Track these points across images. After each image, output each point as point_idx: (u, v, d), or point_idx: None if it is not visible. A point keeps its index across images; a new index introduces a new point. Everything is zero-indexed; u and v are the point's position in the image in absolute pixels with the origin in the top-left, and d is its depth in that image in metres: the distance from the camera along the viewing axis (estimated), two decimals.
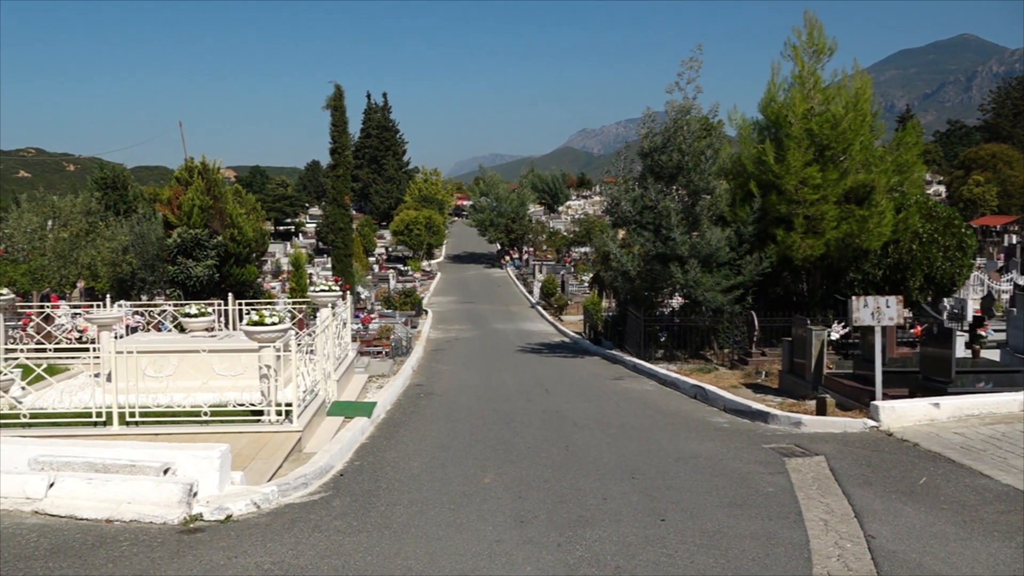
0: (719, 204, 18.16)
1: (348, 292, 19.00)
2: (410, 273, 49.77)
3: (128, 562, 5.38)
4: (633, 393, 14.34)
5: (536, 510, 6.66)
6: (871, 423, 9.72)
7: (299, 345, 10.13)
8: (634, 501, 6.90)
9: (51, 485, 6.48)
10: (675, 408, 12.58)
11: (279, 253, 50.47)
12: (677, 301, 20.87)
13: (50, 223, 25.11)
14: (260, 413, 9.39)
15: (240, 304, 16.36)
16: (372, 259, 54.28)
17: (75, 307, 18.26)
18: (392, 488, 7.50)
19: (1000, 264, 37.59)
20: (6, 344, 13.61)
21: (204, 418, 9.18)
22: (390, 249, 61.93)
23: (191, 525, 6.20)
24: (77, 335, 16.32)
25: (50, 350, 13.77)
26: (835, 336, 14.91)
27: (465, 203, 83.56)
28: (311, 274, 34.17)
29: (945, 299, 18.82)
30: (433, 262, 58.68)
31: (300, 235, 70.52)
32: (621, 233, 21.83)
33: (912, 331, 15.77)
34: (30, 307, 16.71)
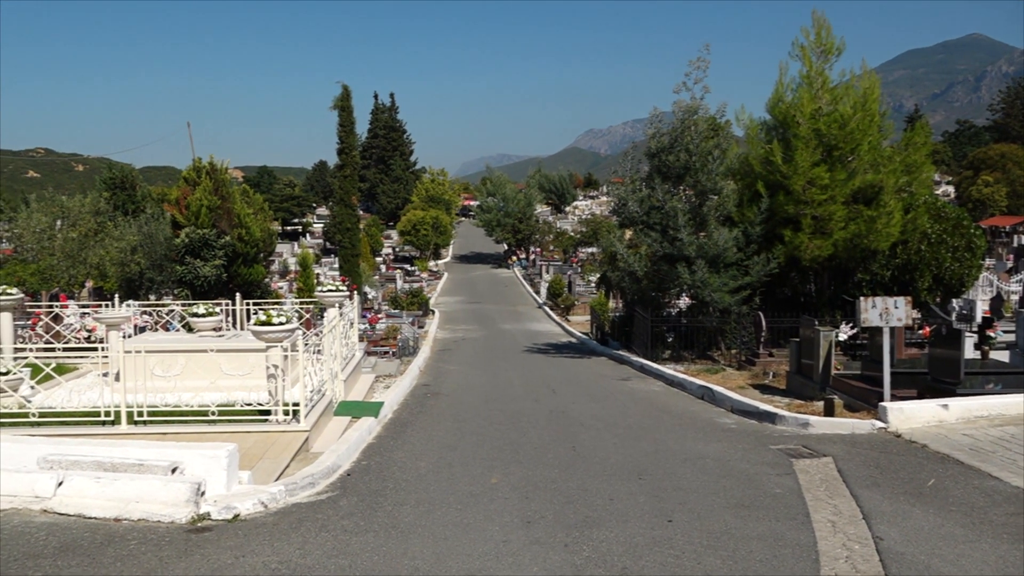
0: (726, 204, 18.12)
1: (355, 292, 19.04)
2: (417, 273, 49.83)
3: (136, 561, 5.39)
4: (640, 394, 14.33)
5: (543, 510, 6.65)
6: (879, 424, 9.68)
7: (306, 345, 10.16)
8: (641, 502, 6.89)
9: (60, 484, 6.51)
10: (682, 409, 12.56)
11: (286, 253, 50.58)
12: (684, 302, 20.83)
13: (59, 223, 25.24)
14: (267, 413, 9.41)
15: (248, 304, 16.41)
16: (379, 259, 54.38)
17: (84, 307, 18.33)
18: (399, 488, 7.51)
19: (1009, 265, 37.43)
20: (15, 343, 13.68)
21: (212, 417, 9.20)
22: (397, 249, 62.03)
23: (199, 524, 6.22)
24: (86, 334, 16.39)
25: (59, 349, 13.83)
26: (843, 337, 14.87)
27: (472, 203, 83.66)
28: (318, 274, 34.24)
29: (954, 300, 18.73)
30: (440, 262, 58.74)
31: (307, 235, 70.73)
32: (628, 233, 21.79)
33: (921, 332, 15.72)
34: (39, 307, 16.78)
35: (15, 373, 10.12)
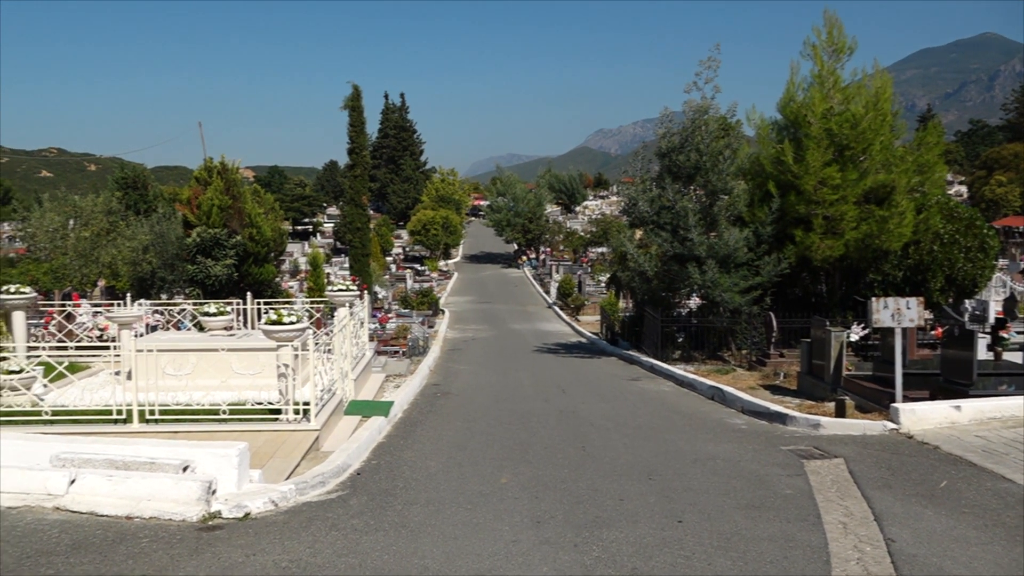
0: (737, 204, 18.07)
1: (365, 292, 19.06)
2: (427, 273, 49.88)
3: (148, 559, 5.42)
4: (650, 394, 14.30)
5: (553, 510, 6.65)
6: (891, 425, 9.63)
7: (317, 344, 10.18)
8: (651, 502, 6.87)
9: (72, 482, 6.55)
10: (692, 409, 12.53)
11: (297, 253, 50.73)
12: (695, 302, 20.79)
13: (72, 222, 25.41)
14: (278, 412, 9.44)
15: (258, 303, 16.46)
16: (389, 259, 54.47)
17: (96, 306, 18.43)
18: (409, 487, 7.52)
19: (1023, 265, 37.16)
20: (29, 342, 13.77)
21: (223, 416, 9.24)
22: (407, 249, 62.09)
23: (210, 522, 6.24)
24: (98, 333, 16.48)
25: (71, 348, 13.92)
26: (854, 337, 14.80)
27: (482, 203, 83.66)
28: (329, 273, 34.31)
29: (966, 301, 18.59)
30: (450, 262, 58.78)
31: (318, 235, 70.89)
32: (638, 233, 21.76)
33: (933, 333, 15.62)
34: (52, 305, 16.88)
35: (28, 371, 10.20)
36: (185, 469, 6.81)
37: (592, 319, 30.47)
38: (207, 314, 13.78)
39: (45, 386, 10.41)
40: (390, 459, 8.81)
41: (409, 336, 20.55)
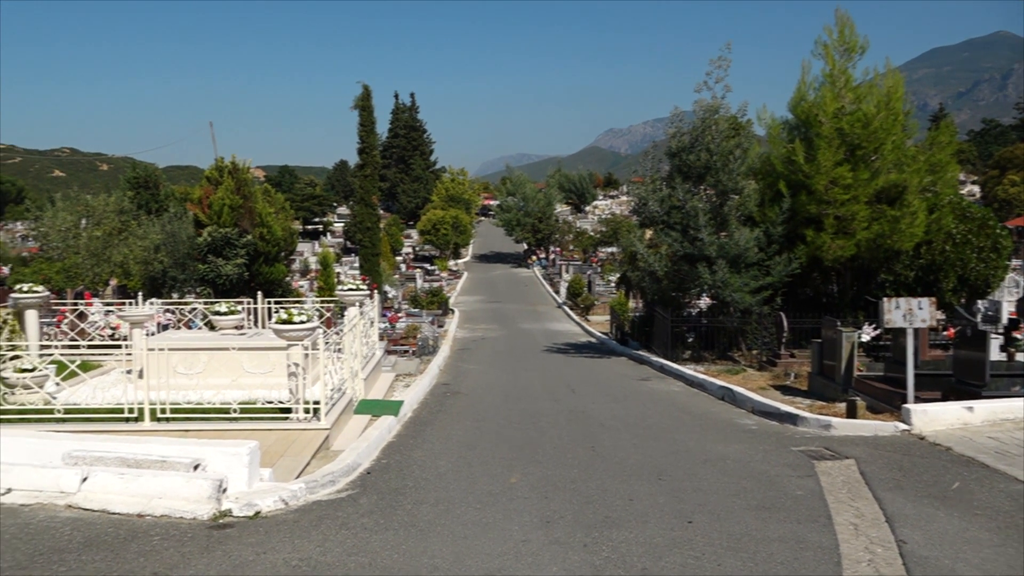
0: (748, 204, 18.02)
1: (375, 291, 19.11)
2: (437, 272, 49.95)
3: (159, 556, 5.45)
4: (660, 394, 14.27)
5: (562, 510, 6.65)
6: (903, 426, 9.58)
7: (327, 344, 10.21)
8: (661, 502, 6.86)
9: (84, 479, 6.59)
10: (702, 409, 12.49)
11: (307, 252, 50.87)
12: (705, 302, 20.73)
13: (84, 222, 25.54)
14: (288, 411, 9.47)
15: (269, 302, 16.52)
16: (399, 258, 54.55)
17: (108, 304, 18.53)
18: (419, 487, 7.53)
19: None
20: (41, 340, 13.85)
21: (233, 415, 9.27)
22: (417, 248, 62.17)
23: (220, 521, 6.27)
24: (110, 332, 16.57)
25: (84, 347, 13.99)
26: (866, 338, 14.73)
27: (492, 203, 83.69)
28: (339, 273, 34.39)
29: (979, 301, 18.44)
30: (460, 261, 58.82)
31: (328, 234, 71.01)
32: (648, 233, 21.73)
33: (945, 333, 15.53)
34: (64, 304, 16.97)
35: (41, 370, 10.27)
36: (196, 467, 6.84)
37: (602, 319, 30.44)
38: (218, 313, 13.84)
39: (58, 384, 10.48)
40: (400, 458, 8.82)
41: (419, 335, 20.57)
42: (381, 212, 48.43)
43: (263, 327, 15.43)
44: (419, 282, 42.06)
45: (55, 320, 17.05)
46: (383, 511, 6.68)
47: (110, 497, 6.45)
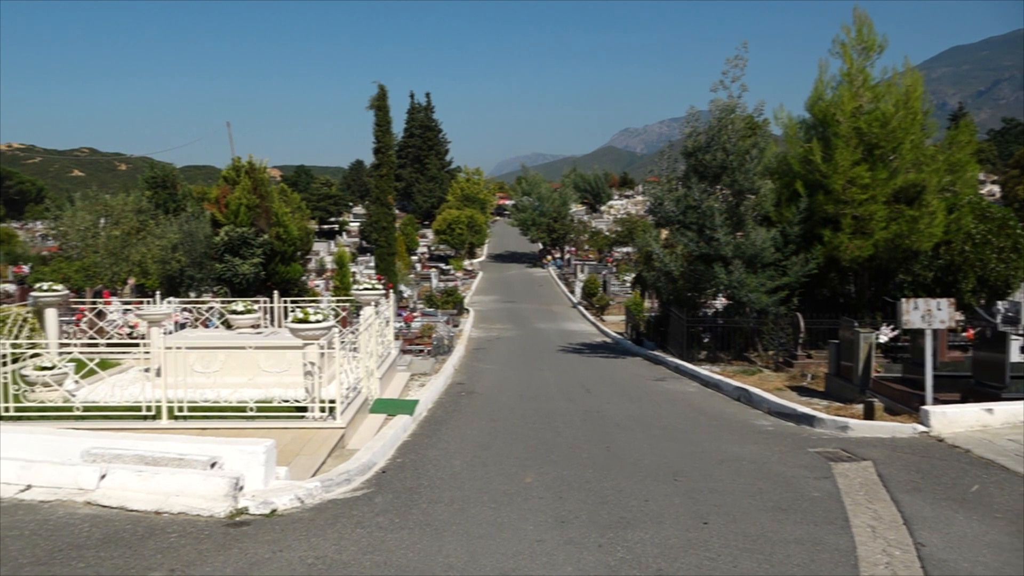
0: (764, 204, 17.92)
1: (391, 290, 19.15)
2: (452, 272, 50.01)
3: (176, 553, 5.49)
4: (675, 394, 14.23)
5: (577, 510, 6.64)
6: (921, 428, 9.50)
7: (342, 343, 10.24)
8: (676, 503, 6.84)
9: (103, 477, 6.64)
10: (718, 410, 12.44)
11: (323, 251, 51.05)
12: (721, 302, 20.65)
13: (103, 221, 25.79)
14: (304, 409, 9.51)
15: (285, 302, 16.59)
16: (415, 258, 54.66)
17: (126, 303, 18.69)
18: (434, 486, 7.54)
19: None
20: (61, 339, 13.98)
21: (250, 413, 9.32)
22: (432, 248, 62.28)
23: (237, 518, 6.30)
24: (128, 331, 16.70)
25: (102, 345, 14.10)
26: (883, 339, 14.63)
27: (507, 202, 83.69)
28: (354, 272, 34.50)
29: (999, 302, 18.31)
30: (475, 261, 58.88)
31: (344, 234, 71.28)
32: (664, 233, 21.68)
33: (964, 335, 15.41)
34: (83, 303, 17.13)
35: (60, 368, 10.37)
36: (213, 465, 6.88)
37: (617, 319, 30.37)
38: (235, 312, 13.92)
39: (76, 382, 10.56)
40: (415, 457, 8.84)
41: (434, 335, 20.61)
42: (396, 212, 48.54)
43: (279, 326, 15.51)
44: (434, 282, 42.13)
45: (74, 318, 17.22)
46: (398, 510, 6.70)
47: (128, 494, 6.50)
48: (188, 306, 17.35)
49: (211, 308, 16.66)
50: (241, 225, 20.68)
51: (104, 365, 12.07)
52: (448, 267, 52.00)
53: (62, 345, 12.96)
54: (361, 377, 11.27)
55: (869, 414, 10.34)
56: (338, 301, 18.34)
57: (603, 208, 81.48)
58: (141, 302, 16.89)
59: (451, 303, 31.04)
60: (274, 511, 6.54)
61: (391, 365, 14.47)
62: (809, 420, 10.74)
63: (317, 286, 32.97)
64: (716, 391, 14.44)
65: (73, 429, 8.27)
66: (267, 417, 9.38)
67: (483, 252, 63.96)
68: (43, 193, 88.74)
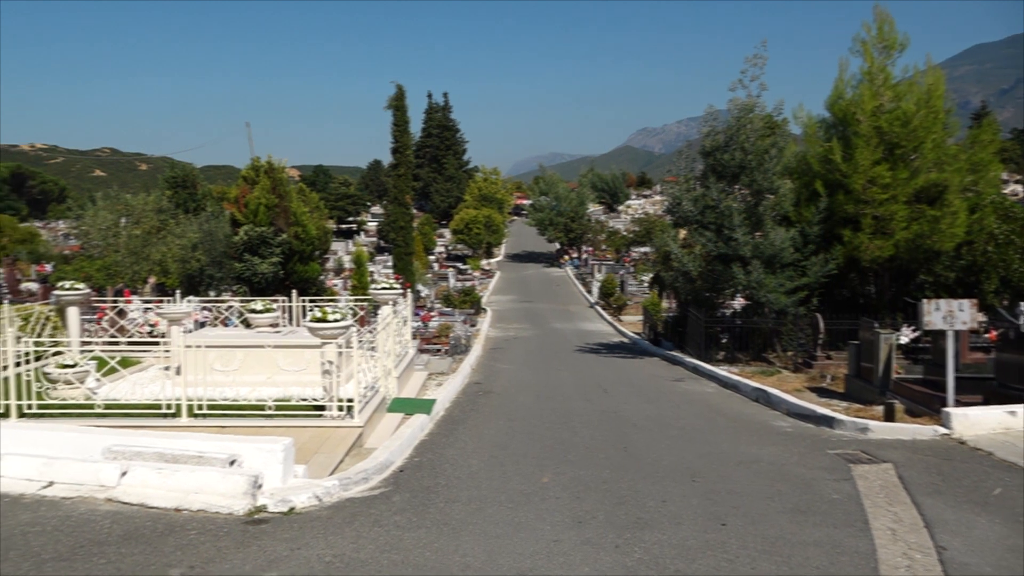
0: (783, 204, 17.80)
1: (408, 290, 19.21)
2: (469, 272, 50.06)
3: (195, 550, 5.53)
4: (693, 395, 14.16)
5: (594, 511, 6.62)
6: (942, 430, 9.40)
7: (360, 342, 10.27)
8: (694, 504, 6.81)
9: (124, 474, 6.71)
10: (736, 411, 12.37)
11: (341, 251, 51.25)
12: (739, 302, 20.54)
13: (123, 221, 26.06)
14: (322, 408, 9.55)
15: (303, 301, 16.67)
16: (432, 257, 54.77)
17: (147, 302, 18.85)
18: (451, 485, 7.55)
19: None
20: (82, 337, 14.13)
21: (268, 412, 9.38)
22: (450, 248, 62.38)
23: (255, 516, 6.34)
24: (148, 329, 16.85)
25: (123, 343, 14.25)
26: (904, 340, 14.48)
27: (524, 202, 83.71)
28: (372, 272, 34.64)
29: (1022, 303, 18.09)
30: (492, 261, 58.90)
31: (362, 233, 71.54)
32: (682, 233, 21.58)
33: (987, 336, 15.22)
34: (104, 302, 17.29)
35: (82, 366, 10.48)
36: (232, 463, 6.93)
37: (634, 319, 30.28)
38: (254, 311, 14.00)
39: (98, 380, 10.67)
40: (432, 456, 8.86)
41: (451, 335, 20.64)
42: (414, 211, 48.66)
43: (298, 325, 15.58)
44: (452, 281, 42.19)
45: (96, 317, 17.39)
46: (416, 509, 6.71)
47: (148, 491, 6.56)
48: (208, 305, 17.48)
49: (230, 307, 16.77)
50: (260, 224, 20.80)
51: (125, 363, 12.20)
52: (465, 267, 52.06)
53: (84, 343, 13.12)
54: (379, 376, 11.31)
55: (889, 416, 10.25)
56: (356, 300, 18.41)
57: (621, 208, 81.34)
58: (161, 301, 17.03)
59: (468, 303, 31.07)
60: (292, 509, 6.58)
61: (409, 364, 14.51)
62: (828, 421, 10.66)
63: (335, 285, 33.09)
64: (734, 392, 14.37)
65: (94, 426, 8.35)
66: (285, 416, 9.44)
67: (500, 252, 63.98)
68: (65, 193, 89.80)
